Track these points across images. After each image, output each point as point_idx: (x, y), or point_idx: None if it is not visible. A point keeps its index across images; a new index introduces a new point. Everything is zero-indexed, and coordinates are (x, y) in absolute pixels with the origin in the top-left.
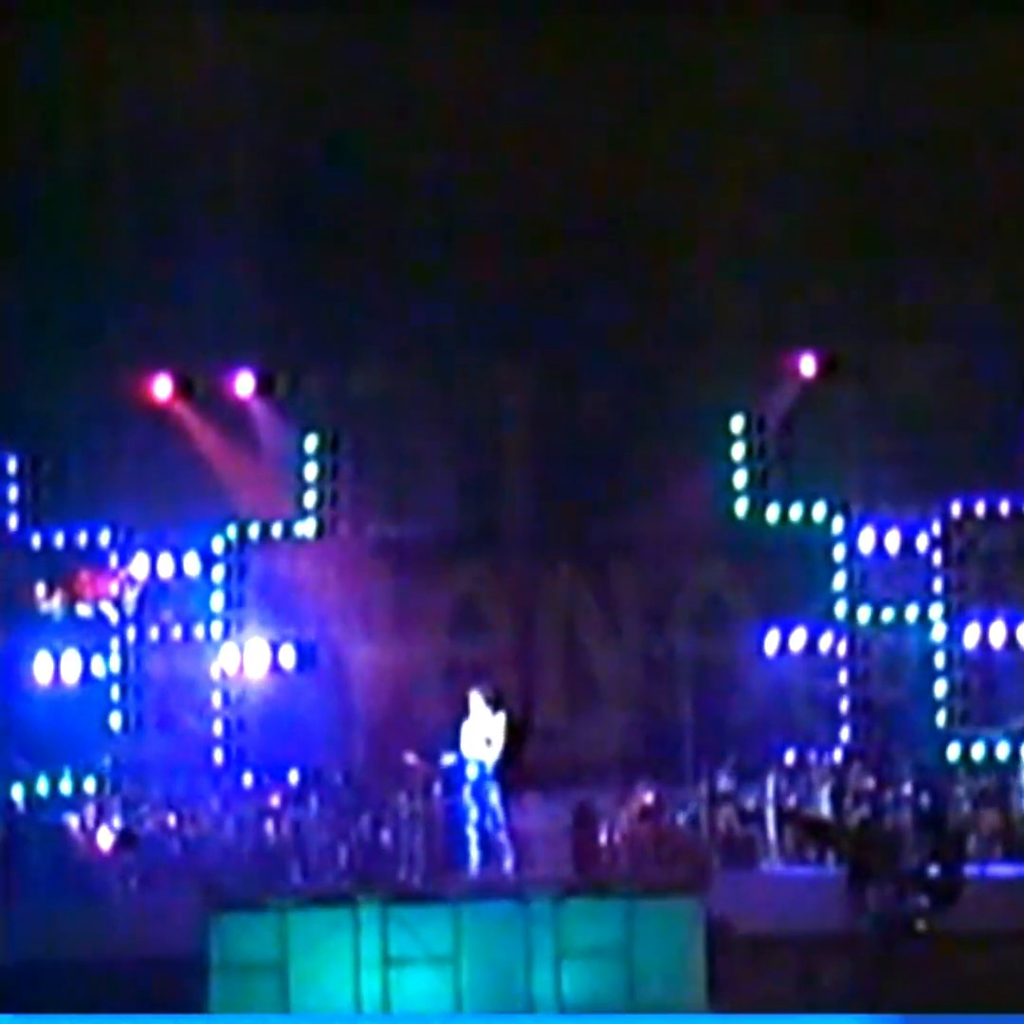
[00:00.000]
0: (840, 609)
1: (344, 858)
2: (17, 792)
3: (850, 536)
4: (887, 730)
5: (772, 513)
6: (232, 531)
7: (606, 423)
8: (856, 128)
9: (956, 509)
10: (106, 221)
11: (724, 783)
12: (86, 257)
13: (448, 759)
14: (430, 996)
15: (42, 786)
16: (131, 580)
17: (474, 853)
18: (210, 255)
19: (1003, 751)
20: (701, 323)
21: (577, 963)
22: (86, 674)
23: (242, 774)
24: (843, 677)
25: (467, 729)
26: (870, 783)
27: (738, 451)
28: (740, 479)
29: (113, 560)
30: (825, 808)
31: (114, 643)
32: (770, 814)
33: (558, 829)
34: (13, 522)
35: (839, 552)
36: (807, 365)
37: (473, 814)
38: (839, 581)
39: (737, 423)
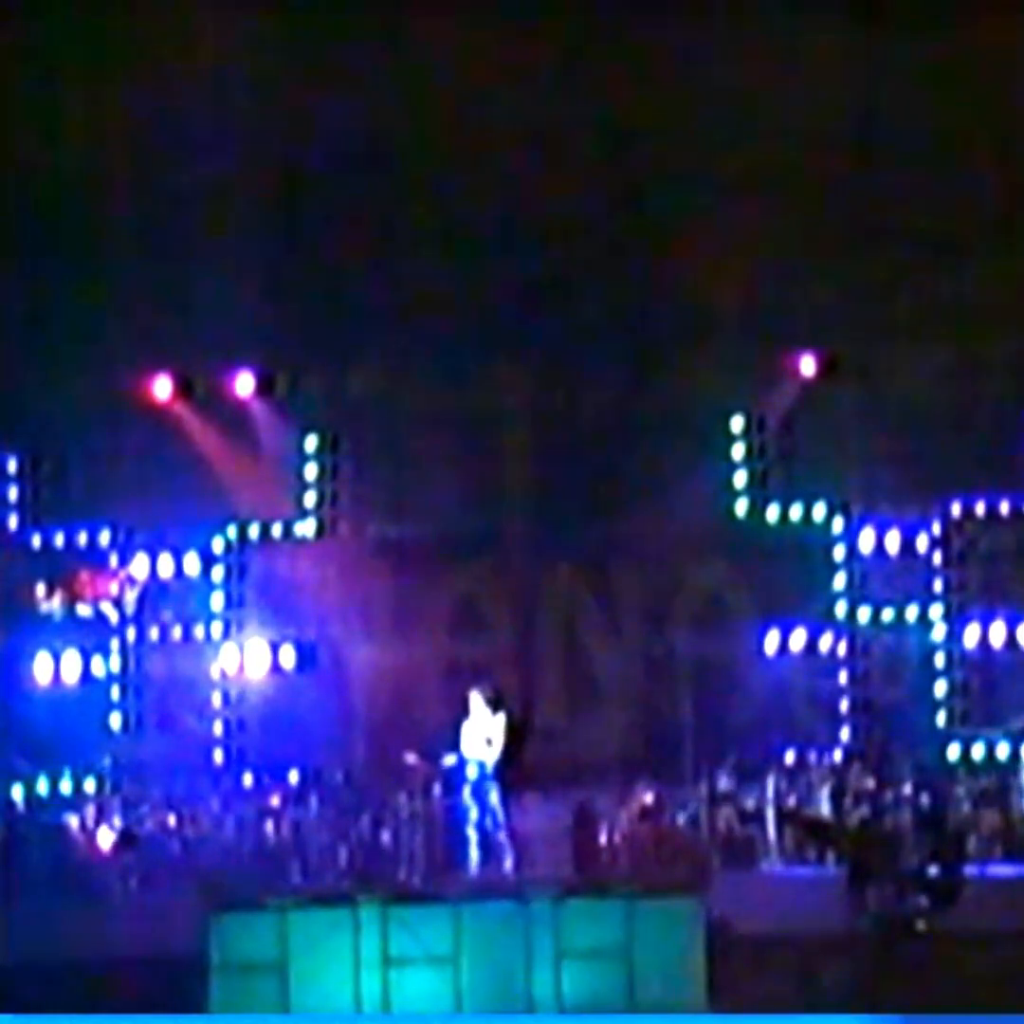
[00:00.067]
0: (840, 609)
1: (344, 858)
2: (17, 792)
3: (850, 536)
4: (887, 730)
5: (772, 513)
6: (232, 531)
7: (606, 423)
8: (856, 128)
9: (956, 509)
10: (106, 221)
11: (724, 783)
12: (86, 257)
13: (449, 759)
14: (430, 996)
15: (42, 786)
16: (131, 580)
17: (474, 853)
18: (210, 255)
19: (1003, 751)
20: (701, 323)
21: (577, 963)
22: (86, 674)
23: (242, 774)
24: (843, 677)
25: (467, 729)
26: (870, 783)
27: (738, 451)
28: (740, 479)
29: (113, 560)
30: (825, 808)
31: (114, 643)
32: (770, 814)
33: (558, 829)
34: (13, 522)
35: (839, 552)
36: (807, 365)
37: (473, 814)
38: (839, 581)
39: (737, 423)
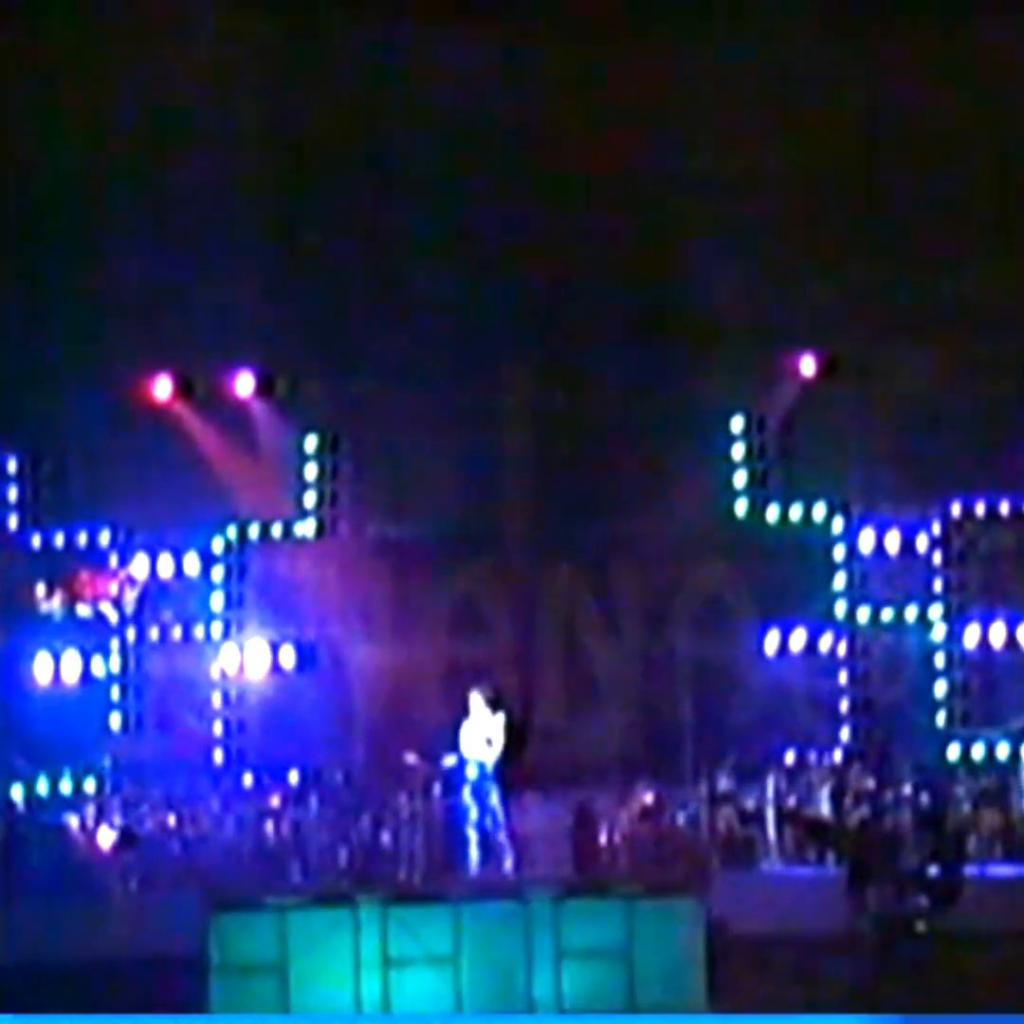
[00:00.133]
0: (840, 609)
1: (344, 858)
2: (17, 792)
3: (850, 536)
4: (887, 730)
5: (772, 513)
6: (232, 531)
7: (606, 423)
8: (856, 128)
9: (956, 509)
10: (106, 221)
11: (724, 783)
12: (86, 257)
13: (449, 760)
14: (430, 996)
15: (42, 786)
16: (131, 580)
17: (474, 853)
18: (210, 255)
19: (1003, 751)
20: (701, 323)
21: (577, 963)
22: (86, 674)
23: (242, 774)
24: (843, 677)
25: (467, 729)
26: (870, 783)
27: (738, 451)
28: (740, 479)
29: (113, 560)
30: (825, 808)
31: (114, 643)
32: (770, 814)
33: (558, 829)
34: (13, 522)
35: (839, 552)
36: (807, 365)
37: (473, 814)
38: (839, 581)
39: (737, 423)
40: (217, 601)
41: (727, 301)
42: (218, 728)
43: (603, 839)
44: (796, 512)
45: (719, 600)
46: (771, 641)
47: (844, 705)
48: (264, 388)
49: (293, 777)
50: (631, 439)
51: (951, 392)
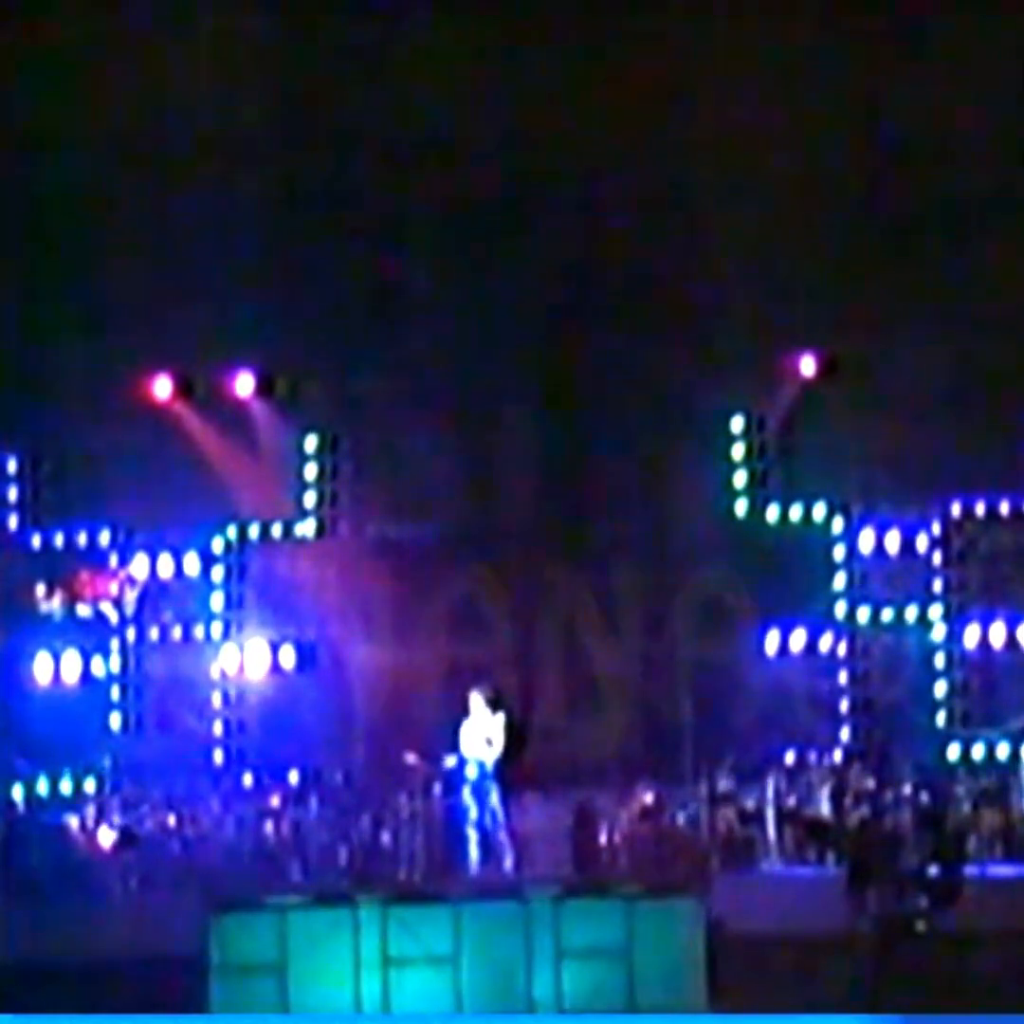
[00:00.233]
0: (840, 609)
1: (344, 858)
2: (17, 792)
3: (850, 536)
4: (887, 730)
5: (772, 513)
6: (232, 531)
7: (606, 423)
8: (857, 128)
9: (956, 509)
10: (106, 221)
11: (724, 783)
12: (86, 257)
13: (450, 761)
14: (430, 996)
15: (42, 786)
16: (131, 580)
17: (474, 853)
18: (211, 255)
19: (1003, 751)
20: (701, 323)
21: (577, 963)
22: (86, 674)
23: (242, 774)
24: (843, 677)
25: (467, 729)
26: (870, 783)
27: (738, 451)
28: (740, 479)
29: (113, 560)
30: (825, 808)
31: (114, 643)
32: (770, 814)
33: (558, 829)
34: (13, 522)
35: (839, 552)
36: (807, 365)
37: (473, 814)
38: (839, 581)
39: (737, 423)
40: (217, 601)
41: (727, 301)
42: (218, 728)
43: (603, 839)
44: (796, 512)
45: (719, 600)
46: (771, 641)
47: (844, 705)
48: (264, 388)
49: (293, 777)
50: (631, 439)
51: (951, 392)
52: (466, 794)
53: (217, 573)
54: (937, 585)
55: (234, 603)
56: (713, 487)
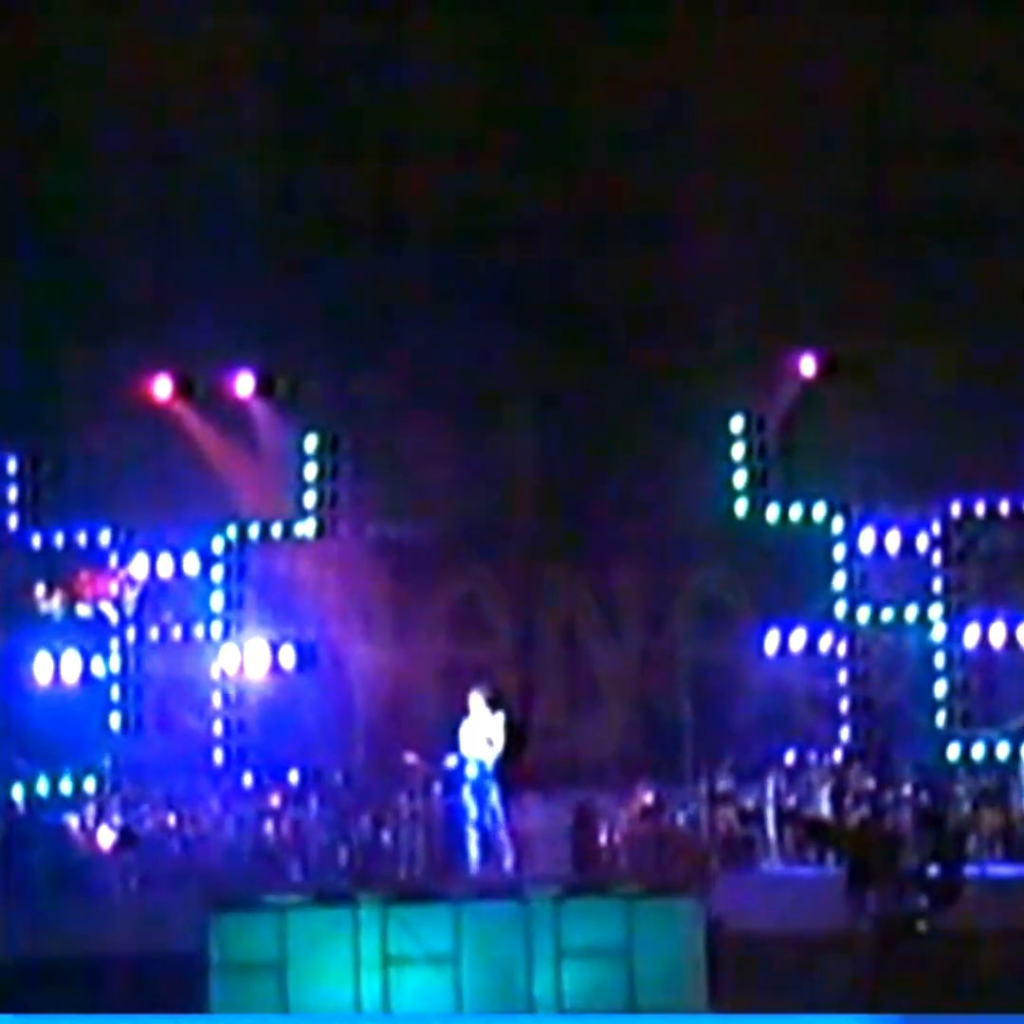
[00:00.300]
0: (840, 609)
1: (344, 858)
2: (17, 792)
3: (850, 536)
4: (887, 730)
5: (772, 513)
6: (232, 531)
7: (606, 423)
8: (858, 127)
9: (956, 509)
10: (106, 221)
11: (724, 783)
12: (86, 257)
13: (450, 761)
14: (430, 996)
15: (42, 786)
16: (131, 580)
17: (474, 853)
18: (211, 255)
19: (1003, 751)
20: (701, 323)
21: (577, 963)
22: (86, 674)
23: (242, 774)
24: (843, 677)
25: (467, 729)
26: (870, 783)
27: (738, 451)
28: (740, 479)
29: (113, 560)
30: (825, 808)
31: (114, 643)
32: (770, 814)
33: (558, 829)
34: (13, 522)
35: (839, 552)
36: (807, 365)
37: (473, 814)
38: (839, 581)
39: (737, 423)
40: (217, 601)
41: (727, 301)
42: (218, 728)
43: (603, 839)
44: (796, 512)
45: (719, 600)
46: (771, 641)
47: (844, 705)
48: (264, 388)
49: (293, 777)
50: (631, 439)
51: (951, 392)
52: (466, 794)
53: (217, 573)
54: (937, 585)
55: (234, 603)
56: (713, 487)
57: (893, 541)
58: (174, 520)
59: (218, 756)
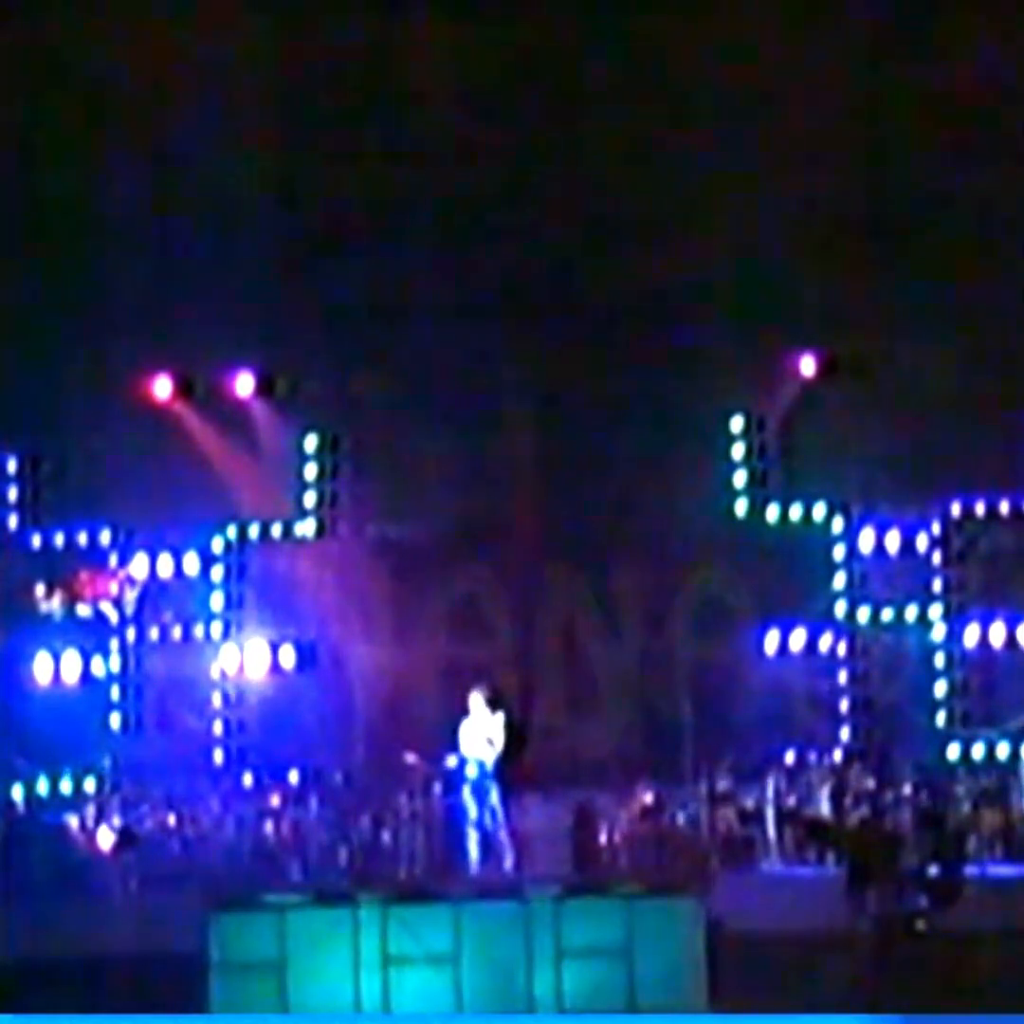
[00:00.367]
0: (840, 609)
1: (344, 858)
2: (17, 792)
3: (850, 536)
4: (887, 730)
5: (772, 513)
6: (232, 531)
7: (606, 423)
8: (858, 127)
9: (956, 509)
10: (106, 221)
11: (724, 783)
12: (86, 257)
13: (451, 761)
14: (430, 996)
15: (42, 786)
16: (131, 580)
17: (474, 853)
18: (211, 255)
19: (1003, 751)
20: (701, 323)
21: (577, 963)
22: (86, 674)
23: (242, 774)
24: (843, 677)
25: (467, 729)
26: (870, 783)
27: (738, 451)
28: (740, 479)
29: (113, 560)
30: (825, 808)
31: (114, 643)
32: (770, 814)
33: (558, 829)
34: (13, 522)
35: (839, 552)
36: (807, 365)
37: (473, 814)
38: (839, 581)
39: (737, 423)
40: (217, 601)
41: (727, 301)
42: (218, 728)
43: (603, 839)
44: (796, 512)
45: (719, 600)
46: (771, 641)
47: (844, 705)
48: (264, 388)
49: (293, 777)
50: (631, 439)
51: (950, 392)
52: (466, 794)
53: (217, 573)
54: (937, 585)
55: (234, 603)
56: (713, 487)
57: (893, 541)
58: (174, 520)
59: (218, 756)
